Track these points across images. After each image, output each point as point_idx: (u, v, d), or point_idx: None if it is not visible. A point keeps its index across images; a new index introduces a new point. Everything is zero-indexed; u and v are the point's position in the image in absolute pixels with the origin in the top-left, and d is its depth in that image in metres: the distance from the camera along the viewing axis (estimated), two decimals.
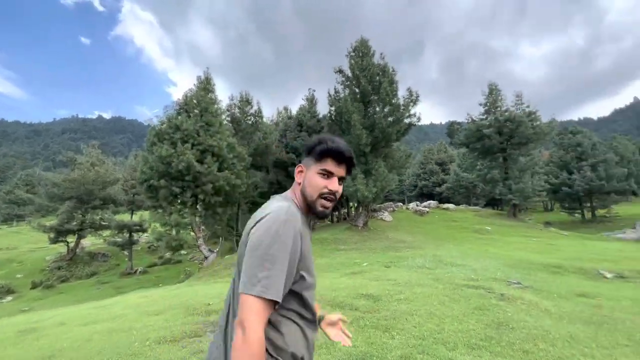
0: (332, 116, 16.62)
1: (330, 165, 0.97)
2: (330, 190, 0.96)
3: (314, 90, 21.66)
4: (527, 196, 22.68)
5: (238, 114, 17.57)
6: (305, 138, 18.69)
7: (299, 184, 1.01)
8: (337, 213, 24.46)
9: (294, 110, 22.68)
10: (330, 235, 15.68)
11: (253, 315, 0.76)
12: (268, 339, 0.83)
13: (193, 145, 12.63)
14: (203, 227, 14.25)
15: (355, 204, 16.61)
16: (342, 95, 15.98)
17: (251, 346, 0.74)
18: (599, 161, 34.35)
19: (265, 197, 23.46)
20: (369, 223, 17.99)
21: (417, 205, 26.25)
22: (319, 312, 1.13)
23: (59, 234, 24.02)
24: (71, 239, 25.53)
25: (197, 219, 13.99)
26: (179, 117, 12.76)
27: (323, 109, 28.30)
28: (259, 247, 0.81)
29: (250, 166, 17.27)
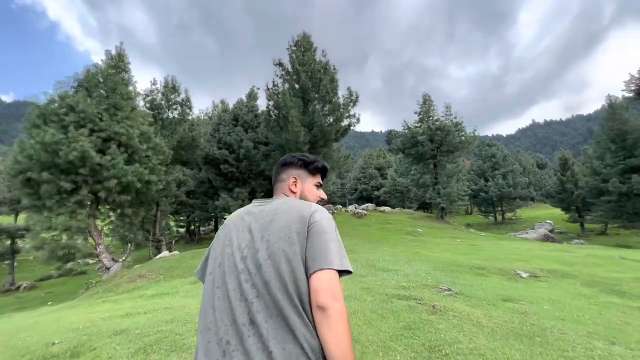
0: (271, 111, 15.51)
1: (320, 179, 1.25)
2: (322, 198, 1.24)
3: (258, 88, 20.27)
4: (453, 200, 24.49)
5: (161, 102, 15.28)
6: (240, 133, 17.20)
7: (294, 192, 1.17)
8: None
9: (232, 104, 20.89)
10: None
11: (339, 286, 0.85)
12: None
13: (93, 131, 10.27)
14: (106, 232, 11.80)
15: None
16: (280, 89, 14.98)
17: (346, 313, 0.83)
18: (508, 171, 39.41)
19: (195, 196, 21.13)
20: None
21: (355, 208, 26.51)
22: None
23: None
24: None
25: (98, 221, 11.53)
26: (75, 96, 10.29)
27: (263, 104, 27.05)
28: (329, 231, 0.96)
29: (174, 161, 15.13)
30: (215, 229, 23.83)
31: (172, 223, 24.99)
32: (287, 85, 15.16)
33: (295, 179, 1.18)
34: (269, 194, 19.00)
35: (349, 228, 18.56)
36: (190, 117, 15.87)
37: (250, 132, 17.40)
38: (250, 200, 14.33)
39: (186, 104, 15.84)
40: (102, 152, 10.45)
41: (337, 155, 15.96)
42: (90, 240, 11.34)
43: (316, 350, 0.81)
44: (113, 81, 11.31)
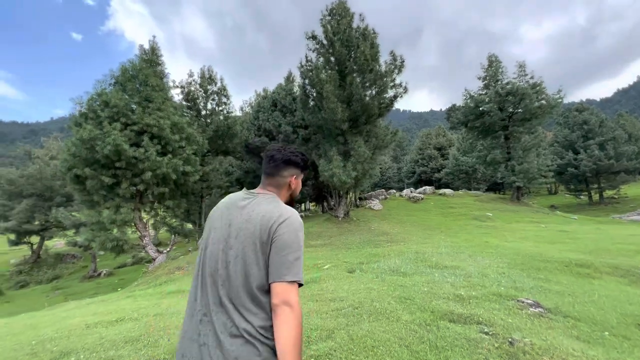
0: (306, 90, 14.25)
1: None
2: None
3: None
4: (532, 177, 20.39)
5: (199, 93, 15.20)
6: (278, 118, 16.36)
7: (291, 189, 1.27)
8: (325, 204, 22.26)
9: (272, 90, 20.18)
10: (305, 228, 13.55)
11: (296, 295, 1.00)
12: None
13: (127, 125, 10.34)
14: (152, 224, 12.10)
15: (335, 192, 14.44)
16: (314, 64, 13.56)
17: (299, 317, 0.97)
18: (607, 139, 31.93)
19: (242, 185, 21.34)
20: (353, 213, 15.83)
21: (411, 192, 24.04)
22: None
23: (20, 235, 21.98)
24: (36, 240, 23.55)
25: (143, 214, 11.83)
26: (108, 92, 10.44)
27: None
28: (289, 246, 1.04)
29: (214, 151, 15.01)
30: None
31: None
32: (321, 60, 13.68)
33: (296, 177, 1.27)
34: (305, 180, 18.00)
35: (401, 214, 16.57)
36: (226, 106, 15.57)
37: (288, 116, 16.44)
38: None
39: (222, 93, 15.55)
40: (137, 145, 10.48)
41: (382, 133, 14.04)
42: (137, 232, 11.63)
43: (253, 334, 0.99)
44: (145, 74, 11.26)
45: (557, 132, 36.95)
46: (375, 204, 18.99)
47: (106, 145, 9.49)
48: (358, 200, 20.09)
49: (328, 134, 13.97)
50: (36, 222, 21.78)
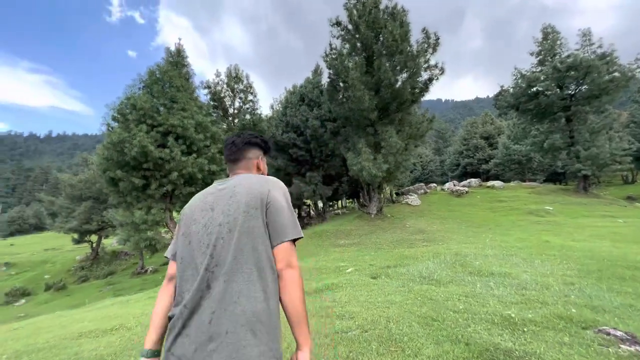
0: (332, 81, 13.47)
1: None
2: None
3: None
4: (603, 164, 17.38)
5: (226, 92, 15.24)
6: (306, 112, 15.80)
7: (260, 169, 1.28)
8: (361, 200, 21.31)
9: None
10: (334, 226, 12.82)
11: (294, 255, 1.04)
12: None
13: (153, 126, 10.51)
14: None
15: (367, 187, 13.48)
16: (339, 52, 12.71)
17: (301, 277, 1.03)
18: None
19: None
20: (388, 210, 14.74)
21: (454, 185, 22.02)
22: None
23: (81, 234, 24.31)
24: (95, 239, 25.91)
25: (174, 214, 12.03)
26: (136, 94, 10.70)
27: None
28: (284, 207, 1.07)
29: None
30: (299, 216, 23.63)
31: None
32: (346, 46, 12.78)
33: (261, 158, 1.29)
34: (340, 176, 17.19)
35: (442, 209, 15.06)
36: (252, 104, 15.40)
37: (316, 109, 15.82)
38: (324, 184, 12.51)
39: (249, 90, 15.42)
40: (163, 145, 10.60)
41: (417, 121, 12.74)
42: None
43: (249, 314, 0.94)
44: (169, 76, 11.39)
45: (634, 110, 31.58)
46: (413, 199, 17.60)
47: (133, 147, 9.68)
48: (394, 195, 18.81)
49: (356, 126, 13.07)
50: (94, 223, 23.90)
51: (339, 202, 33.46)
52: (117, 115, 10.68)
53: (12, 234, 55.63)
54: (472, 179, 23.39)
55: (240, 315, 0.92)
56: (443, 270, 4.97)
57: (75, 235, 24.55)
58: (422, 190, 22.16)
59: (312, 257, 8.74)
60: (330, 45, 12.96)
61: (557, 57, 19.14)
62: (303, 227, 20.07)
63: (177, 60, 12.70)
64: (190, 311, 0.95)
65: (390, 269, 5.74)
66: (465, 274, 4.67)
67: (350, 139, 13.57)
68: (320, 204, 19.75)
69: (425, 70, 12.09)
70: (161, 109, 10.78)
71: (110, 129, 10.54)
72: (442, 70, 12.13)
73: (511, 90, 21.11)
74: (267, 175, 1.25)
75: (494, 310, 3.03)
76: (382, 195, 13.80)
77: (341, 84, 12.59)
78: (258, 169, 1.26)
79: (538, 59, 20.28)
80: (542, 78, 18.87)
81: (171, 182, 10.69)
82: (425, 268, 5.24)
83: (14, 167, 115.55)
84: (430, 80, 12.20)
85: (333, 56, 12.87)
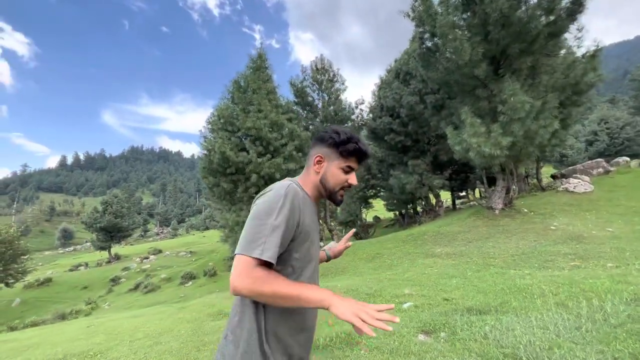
0: (421, 38, 10.54)
1: (353, 163, 1.05)
2: (350, 184, 1.06)
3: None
4: None
5: (313, 86, 14.58)
6: (399, 89, 13.21)
7: (317, 172, 1.05)
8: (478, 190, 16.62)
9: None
10: (438, 226, 9.87)
11: (242, 269, 0.82)
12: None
13: (234, 132, 10.90)
14: None
15: (483, 172, 9.74)
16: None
17: (247, 289, 0.82)
18: None
19: (381, 177, 19.20)
20: (526, 201, 10.35)
21: None
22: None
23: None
24: None
25: None
26: (221, 104, 11.40)
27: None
28: (254, 216, 0.89)
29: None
30: (415, 213, 20.58)
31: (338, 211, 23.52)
32: None
33: (322, 158, 1.06)
34: (451, 161, 13.39)
35: (633, 200, 9.23)
36: (341, 92, 14.07)
37: (412, 83, 12.93)
38: (433, 173, 10.10)
39: (334, 79, 14.20)
40: (244, 149, 10.84)
41: (558, 64, 8.03)
42: None
43: (232, 324, 0.94)
44: (247, 80, 11.62)
45: None
46: (578, 184, 11.85)
47: (215, 154, 10.24)
48: (543, 180, 13.36)
49: (460, 91, 9.66)
50: None
51: (475, 191, 27.53)
52: (210, 127, 11.67)
53: (207, 229, 75.40)
54: None
55: (229, 325, 0.95)
56: (579, 341, 2.22)
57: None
58: (601, 169, 14.97)
59: (386, 272, 6.67)
60: None
61: None
62: (409, 225, 17.19)
63: (259, 65, 12.91)
64: None
65: (469, 315, 3.27)
66: None
67: (455, 112, 10.23)
68: (432, 198, 16.38)
69: None
70: (240, 114, 11.07)
71: (204, 140, 11.64)
72: None
73: None
74: (330, 176, 1.04)
75: None
76: (512, 181, 9.72)
77: (430, 36, 9.56)
78: (316, 170, 1.06)
79: None
80: None
81: (254, 184, 10.81)
82: (539, 328, 2.57)
83: None
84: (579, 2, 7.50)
85: (419, 6, 9.95)
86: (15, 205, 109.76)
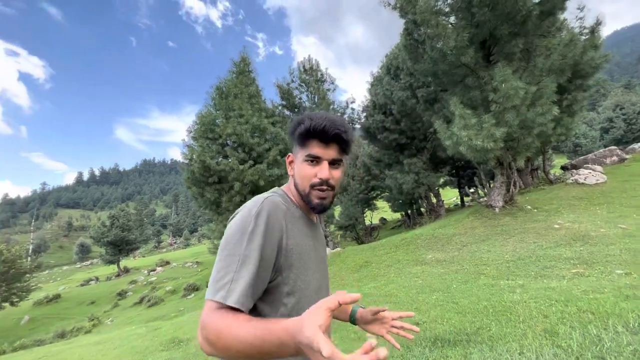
0: (407, 29, 9.93)
1: (315, 148, 0.80)
2: (320, 179, 0.80)
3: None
4: None
5: (300, 88, 14.08)
6: (390, 84, 12.57)
7: (292, 175, 0.88)
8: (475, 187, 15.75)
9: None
10: (434, 228, 9.10)
11: (207, 317, 0.65)
12: None
13: (215, 140, 10.48)
14: None
15: (481, 167, 8.95)
16: None
17: (213, 336, 0.65)
18: None
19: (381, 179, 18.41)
20: (530, 197, 9.49)
21: None
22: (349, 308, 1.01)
23: None
24: None
25: None
26: (202, 111, 11.02)
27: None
28: (220, 249, 0.73)
29: None
30: (419, 214, 19.69)
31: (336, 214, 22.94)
32: None
33: (292, 157, 0.88)
34: (453, 157, 12.57)
35: None
36: (330, 92, 13.53)
37: (403, 77, 12.27)
38: (431, 171, 9.40)
39: (321, 79, 13.67)
40: (227, 157, 10.40)
41: (554, 45, 7.22)
42: None
43: None
44: (228, 85, 11.21)
45: None
46: (589, 175, 10.86)
47: (194, 163, 9.83)
48: (550, 172, 12.40)
49: (450, 81, 8.96)
50: None
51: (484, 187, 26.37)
52: (192, 135, 11.30)
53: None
54: None
55: None
56: None
57: None
58: (614, 157, 13.86)
59: (369, 284, 6.02)
60: None
61: None
62: (413, 227, 16.36)
63: (242, 68, 12.52)
64: None
65: (433, 349, 2.62)
66: None
67: (446, 104, 9.52)
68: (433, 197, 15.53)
69: None
70: (220, 120, 10.65)
71: (186, 148, 11.27)
72: None
73: None
74: (297, 173, 0.83)
75: None
76: (511, 176, 8.90)
77: (411, 25, 8.92)
78: (290, 164, 0.89)
79: None
80: None
81: (238, 192, 10.33)
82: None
83: None
84: None
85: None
86: (34, 223, 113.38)
